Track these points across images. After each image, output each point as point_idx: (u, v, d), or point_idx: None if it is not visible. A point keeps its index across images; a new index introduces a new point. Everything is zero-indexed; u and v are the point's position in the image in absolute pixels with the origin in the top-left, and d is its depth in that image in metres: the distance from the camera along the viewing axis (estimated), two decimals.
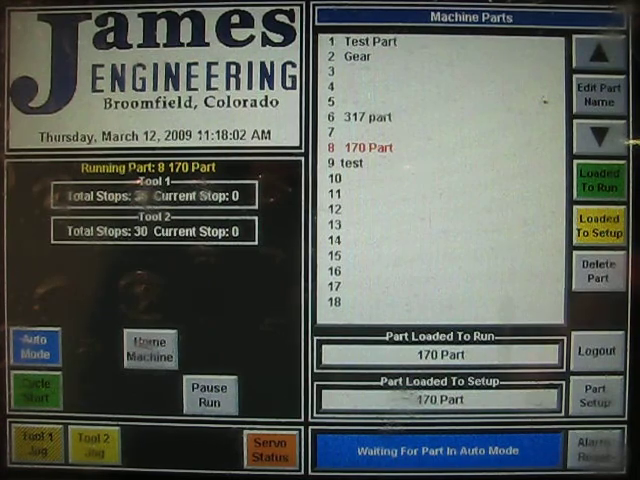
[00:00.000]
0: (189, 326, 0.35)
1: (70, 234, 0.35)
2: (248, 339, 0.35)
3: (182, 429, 0.35)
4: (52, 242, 0.35)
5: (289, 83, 0.35)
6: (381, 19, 0.35)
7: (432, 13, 0.35)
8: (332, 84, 0.35)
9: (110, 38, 0.35)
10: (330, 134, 0.35)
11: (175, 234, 0.35)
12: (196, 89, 0.35)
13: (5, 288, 0.35)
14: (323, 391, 0.35)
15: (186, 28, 0.35)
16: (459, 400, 0.35)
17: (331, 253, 0.35)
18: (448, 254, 0.35)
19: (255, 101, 0.35)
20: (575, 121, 0.35)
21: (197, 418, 0.36)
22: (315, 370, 0.35)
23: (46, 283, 0.35)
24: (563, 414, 0.35)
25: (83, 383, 0.36)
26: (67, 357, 0.36)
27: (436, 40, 0.35)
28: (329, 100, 0.35)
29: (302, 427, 0.35)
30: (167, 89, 0.35)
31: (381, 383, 0.35)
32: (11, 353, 0.36)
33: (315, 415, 0.35)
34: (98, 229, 0.35)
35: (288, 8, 0.35)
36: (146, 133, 0.35)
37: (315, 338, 0.35)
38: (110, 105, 0.35)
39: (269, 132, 0.35)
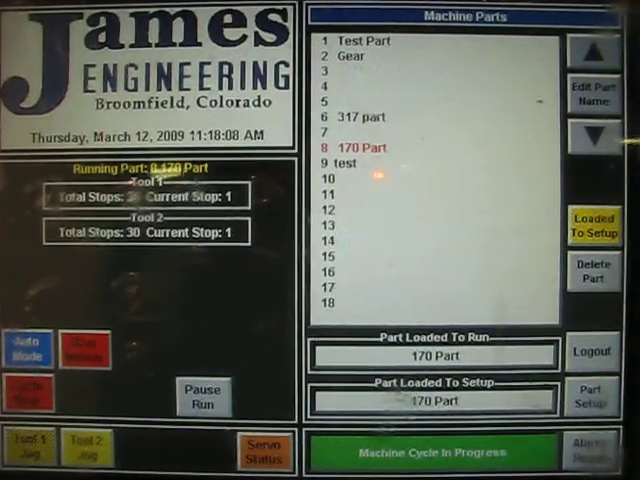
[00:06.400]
0: (182, 327, 0.35)
1: (62, 235, 0.35)
2: (241, 341, 0.35)
3: (175, 431, 0.35)
4: (44, 243, 0.35)
5: (282, 83, 0.35)
6: (374, 18, 0.35)
7: (426, 12, 0.35)
8: (325, 84, 0.35)
9: (102, 38, 0.35)
10: (323, 134, 0.35)
11: (168, 235, 0.35)
12: (188, 89, 0.35)
13: None
14: (317, 393, 0.35)
15: (178, 28, 0.35)
16: (454, 401, 0.35)
17: (325, 254, 0.35)
18: (442, 254, 0.34)
19: (248, 101, 0.35)
20: (570, 120, 0.35)
21: (190, 420, 0.35)
22: (309, 371, 0.35)
23: (38, 285, 0.35)
24: (558, 415, 0.35)
25: (75, 385, 0.36)
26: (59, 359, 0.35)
27: (430, 39, 0.35)
28: (322, 100, 0.35)
29: (296, 429, 0.35)
30: (159, 89, 0.35)
31: (375, 384, 0.35)
32: (3, 355, 0.35)
33: (309, 417, 0.35)
34: (90, 230, 0.35)
35: (281, 7, 0.35)
36: (138, 133, 0.35)
37: (309, 339, 0.35)
38: (102, 105, 0.35)
39: (262, 132, 0.35)
